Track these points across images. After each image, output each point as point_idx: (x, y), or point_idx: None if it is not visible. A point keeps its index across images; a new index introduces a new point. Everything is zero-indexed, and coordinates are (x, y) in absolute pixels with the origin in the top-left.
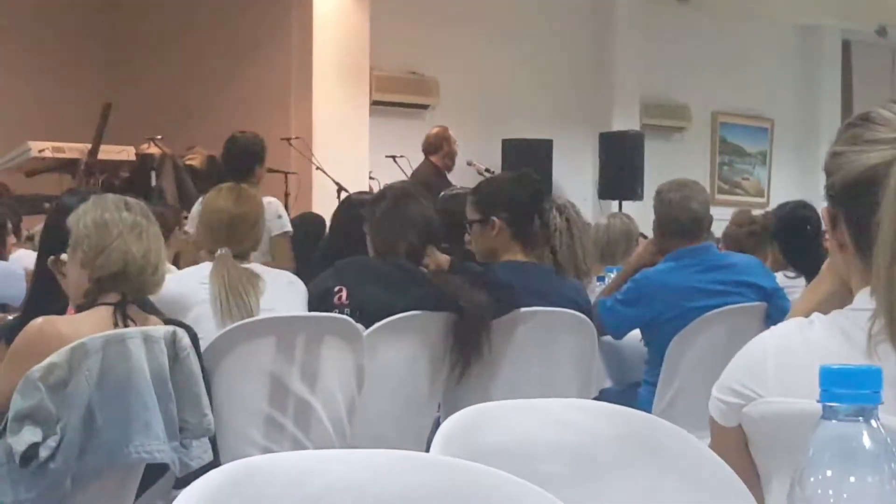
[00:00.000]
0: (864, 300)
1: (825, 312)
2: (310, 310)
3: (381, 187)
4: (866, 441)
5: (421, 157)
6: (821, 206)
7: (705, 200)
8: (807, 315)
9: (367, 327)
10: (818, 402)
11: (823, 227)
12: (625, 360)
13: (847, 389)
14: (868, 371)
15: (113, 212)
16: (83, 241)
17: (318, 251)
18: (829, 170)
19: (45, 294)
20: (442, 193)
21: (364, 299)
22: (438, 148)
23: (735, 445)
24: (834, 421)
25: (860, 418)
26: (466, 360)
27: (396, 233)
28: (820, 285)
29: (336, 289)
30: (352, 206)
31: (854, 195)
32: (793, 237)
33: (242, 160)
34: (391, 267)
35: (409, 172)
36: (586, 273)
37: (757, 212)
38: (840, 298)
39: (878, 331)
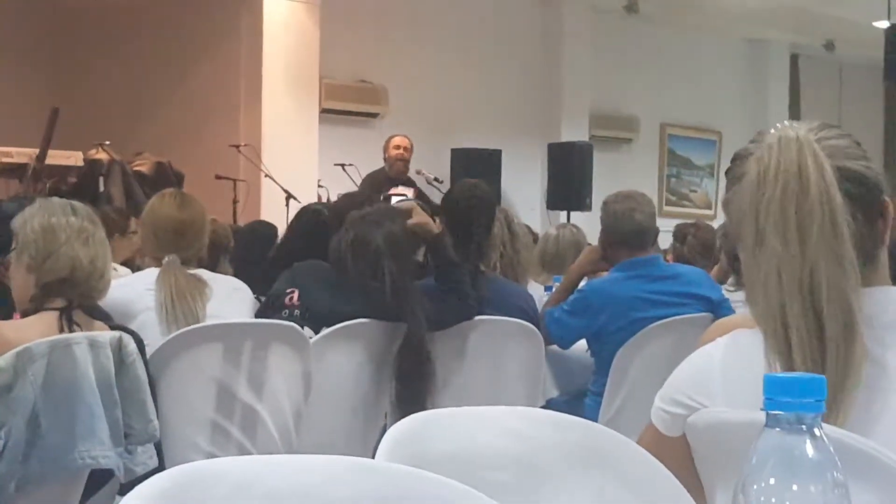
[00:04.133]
0: None
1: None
2: (260, 311)
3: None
4: (809, 449)
5: (370, 166)
6: None
7: (651, 212)
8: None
9: (314, 330)
10: (762, 409)
11: None
12: (571, 369)
13: (791, 398)
14: (812, 380)
15: (60, 216)
16: (30, 245)
17: (271, 258)
18: (726, 201)
19: None
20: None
21: (313, 302)
22: (383, 157)
23: (678, 454)
24: (777, 429)
25: (803, 426)
26: (408, 371)
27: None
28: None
29: (288, 290)
30: (313, 214)
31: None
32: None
33: None
34: (349, 273)
35: (359, 181)
36: (525, 282)
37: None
38: None
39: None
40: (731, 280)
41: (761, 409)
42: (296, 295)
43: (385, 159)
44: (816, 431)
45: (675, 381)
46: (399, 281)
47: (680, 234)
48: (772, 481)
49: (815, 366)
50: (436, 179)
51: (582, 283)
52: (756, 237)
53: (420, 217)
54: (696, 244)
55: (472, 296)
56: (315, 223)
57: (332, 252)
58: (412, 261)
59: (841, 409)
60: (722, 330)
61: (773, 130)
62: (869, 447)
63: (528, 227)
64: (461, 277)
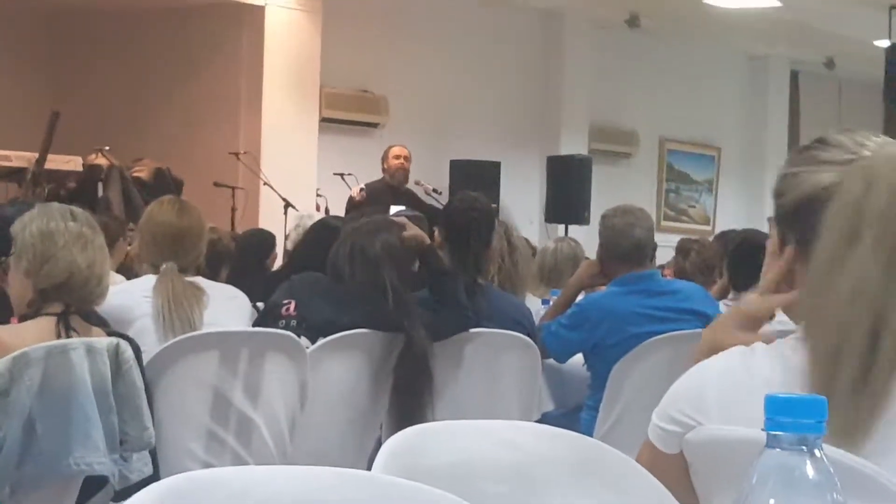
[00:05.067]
0: None
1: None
2: (257, 321)
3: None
4: (809, 470)
5: (369, 176)
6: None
7: (649, 227)
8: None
9: (311, 340)
10: (762, 430)
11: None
12: (567, 383)
13: (791, 418)
14: (812, 401)
15: (58, 221)
16: (28, 250)
17: (280, 269)
18: (781, 190)
19: None
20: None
21: (310, 312)
22: (382, 167)
23: (675, 471)
24: (777, 449)
25: (804, 447)
26: (406, 383)
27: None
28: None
29: (285, 301)
30: (325, 229)
31: (805, 215)
32: (745, 264)
33: None
34: (347, 285)
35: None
36: (522, 295)
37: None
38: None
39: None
40: (731, 295)
41: (760, 429)
42: (292, 305)
43: (385, 169)
44: (817, 452)
45: (671, 398)
46: (400, 290)
47: (683, 249)
48: (771, 502)
49: (858, 385)
50: (434, 191)
51: (580, 298)
52: (846, 242)
53: (411, 229)
54: (698, 261)
55: (468, 307)
56: (329, 238)
57: (330, 263)
58: (410, 271)
59: (869, 436)
60: (709, 346)
61: (867, 142)
62: (868, 469)
63: (527, 241)
64: (456, 288)
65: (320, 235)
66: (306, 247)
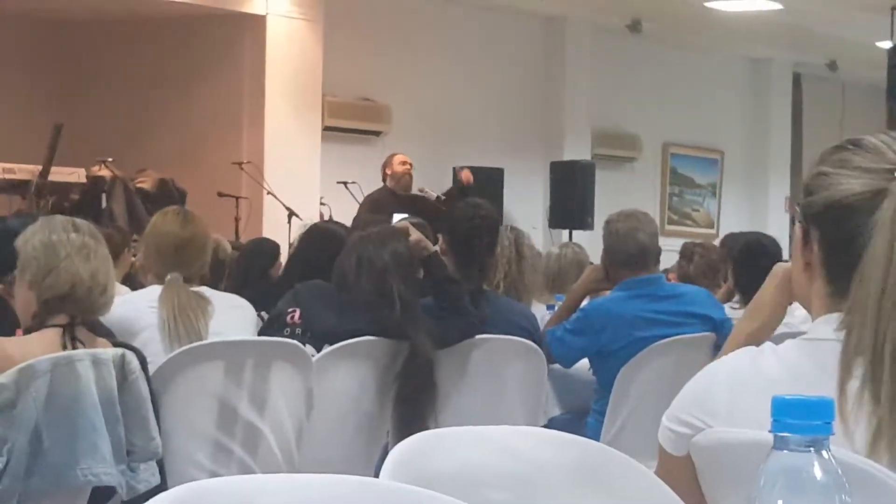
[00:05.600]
0: (821, 330)
1: (763, 339)
2: (262, 330)
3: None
4: (817, 472)
5: (372, 184)
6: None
7: (653, 231)
8: (748, 339)
9: (316, 348)
10: (770, 432)
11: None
12: (574, 387)
13: (799, 420)
14: (820, 402)
15: (60, 233)
16: (31, 262)
17: (280, 277)
18: (812, 188)
19: None
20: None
21: (315, 320)
22: (384, 174)
23: (684, 474)
24: (785, 451)
25: (811, 449)
26: (410, 390)
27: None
28: (761, 311)
29: (290, 309)
30: (318, 235)
31: (833, 218)
32: (750, 266)
33: None
34: (351, 293)
35: (360, 199)
36: (527, 303)
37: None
38: (772, 329)
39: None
40: (736, 298)
41: (768, 431)
42: (297, 314)
43: (389, 176)
44: (824, 454)
45: (681, 401)
46: (407, 299)
47: (687, 253)
48: (779, 503)
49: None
50: (438, 198)
51: (584, 303)
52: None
53: (415, 234)
54: (702, 264)
55: (472, 313)
56: (324, 242)
57: (336, 271)
58: (417, 280)
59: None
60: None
61: None
62: (876, 470)
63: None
64: (460, 294)
65: (315, 241)
66: (302, 253)
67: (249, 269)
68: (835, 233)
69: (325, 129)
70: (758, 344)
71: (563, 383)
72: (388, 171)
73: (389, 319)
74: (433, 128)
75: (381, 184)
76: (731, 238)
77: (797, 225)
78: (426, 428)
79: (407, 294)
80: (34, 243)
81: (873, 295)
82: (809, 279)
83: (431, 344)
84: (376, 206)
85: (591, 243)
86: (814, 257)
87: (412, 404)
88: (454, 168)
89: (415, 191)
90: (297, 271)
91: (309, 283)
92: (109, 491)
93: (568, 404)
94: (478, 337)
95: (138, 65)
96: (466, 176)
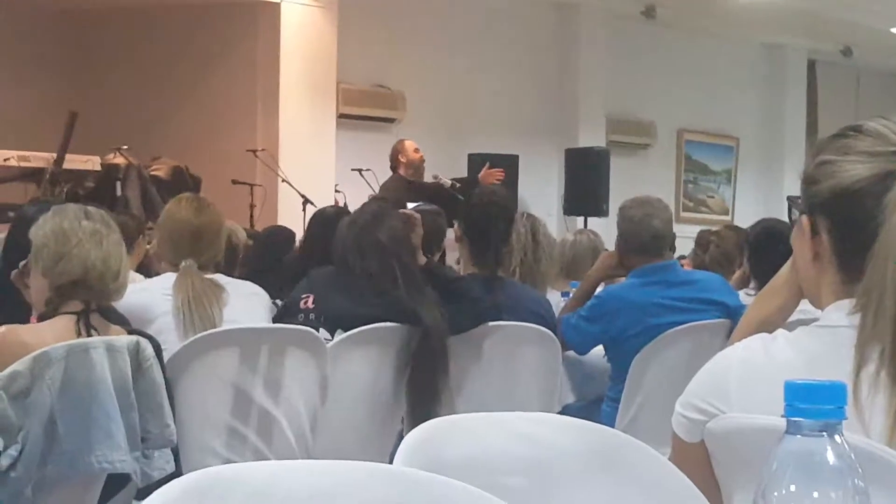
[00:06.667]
0: (834, 317)
1: (776, 326)
2: (277, 318)
3: (358, 207)
4: (830, 456)
5: (386, 171)
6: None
7: (668, 218)
8: (759, 325)
9: (330, 333)
10: (783, 416)
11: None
12: (588, 375)
13: (812, 405)
14: (833, 387)
15: (72, 220)
16: (43, 249)
17: (287, 263)
18: (815, 177)
19: (8, 303)
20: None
21: (327, 305)
22: (397, 162)
23: (697, 461)
24: (798, 436)
25: (824, 433)
26: (423, 374)
27: (366, 256)
28: (773, 296)
29: (304, 295)
30: (325, 220)
31: (842, 205)
32: (766, 252)
33: None
34: (358, 276)
35: (376, 186)
36: (543, 290)
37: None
38: (788, 312)
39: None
40: (751, 285)
41: (780, 416)
42: (311, 299)
43: (404, 164)
44: (837, 438)
45: (694, 387)
46: (410, 275)
47: (703, 241)
48: (792, 488)
49: None
50: (453, 185)
51: (599, 289)
52: None
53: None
54: (717, 254)
55: (483, 299)
56: (330, 227)
57: (338, 257)
58: (417, 255)
59: None
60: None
61: None
62: (889, 454)
63: None
64: (468, 286)
65: (321, 226)
66: (310, 239)
67: (264, 257)
68: (845, 219)
69: (340, 116)
70: (770, 330)
71: (578, 370)
72: (403, 159)
73: (398, 300)
74: (447, 115)
75: (392, 172)
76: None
77: (801, 217)
78: (440, 410)
79: (409, 269)
80: (46, 231)
81: (891, 274)
82: (819, 271)
83: (445, 326)
84: (393, 196)
85: (605, 230)
86: (822, 247)
87: (427, 386)
88: (469, 155)
89: (428, 178)
90: (306, 257)
91: (322, 269)
92: (124, 478)
93: (582, 391)
94: (492, 324)
95: (153, 52)
96: (490, 176)
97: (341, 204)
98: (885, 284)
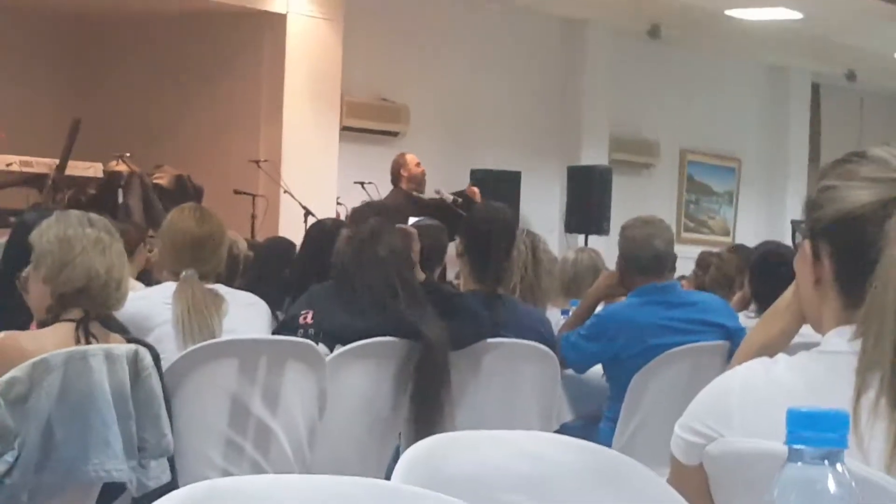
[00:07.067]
0: (835, 342)
1: (778, 350)
2: (276, 333)
3: (354, 216)
4: (831, 484)
5: (389, 184)
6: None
7: (669, 238)
8: (760, 349)
9: (329, 347)
10: (784, 444)
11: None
12: (587, 392)
13: (814, 432)
14: (835, 415)
15: (76, 227)
16: (46, 256)
17: (286, 275)
18: (818, 203)
19: (8, 309)
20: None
21: (326, 319)
22: (398, 176)
23: (695, 483)
24: (800, 463)
25: (826, 461)
26: (425, 388)
27: (366, 271)
28: (775, 321)
29: (303, 311)
30: (322, 232)
31: (844, 230)
32: (767, 275)
33: None
34: (358, 291)
35: (377, 199)
36: (543, 307)
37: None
38: (790, 337)
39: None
40: (752, 307)
41: (782, 440)
42: (310, 315)
43: (406, 178)
44: (839, 467)
45: (694, 410)
46: (410, 289)
47: (703, 263)
48: None
49: None
50: (454, 200)
51: (599, 308)
52: None
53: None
54: (717, 276)
55: (483, 315)
56: (326, 239)
57: (337, 272)
58: (416, 270)
59: None
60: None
61: None
62: (890, 483)
63: None
64: (468, 302)
65: (317, 238)
66: (307, 251)
67: (264, 268)
68: (846, 244)
69: (343, 128)
70: (771, 354)
71: (576, 389)
72: (405, 173)
73: (399, 314)
74: (451, 129)
75: (393, 186)
76: (743, 247)
77: (804, 242)
78: (441, 425)
79: (409, 284)
80: (49, 237)
81: (891, 301)
82: (820, 296)
83: (445, 340)
84: (396, 211)
85: (607, 249)
86: (825, 272)
87: (429, 400)
88: (471, 170)
89: (430, 192)
90: (303, 269)
91: (321, 285)
92: (120, 487)
93: (580, 410)
94: (491, 340)
95: (157, 61)
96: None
97: (343, 217)
98: (885, 311)
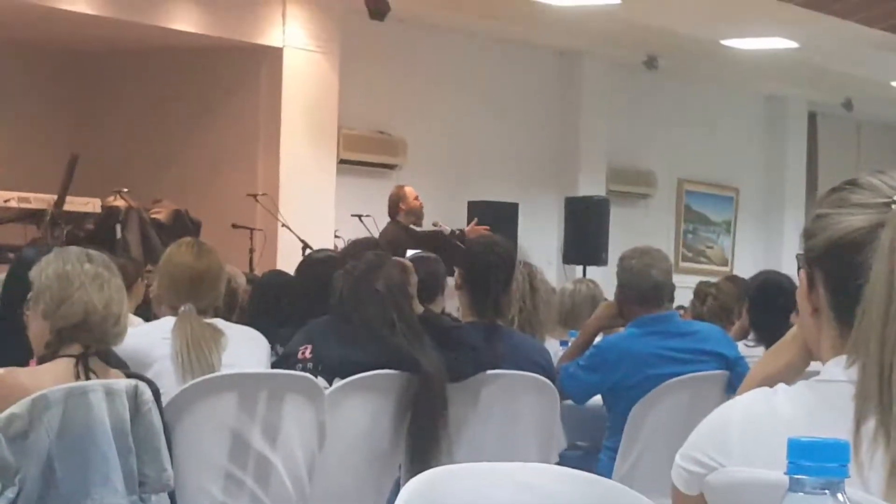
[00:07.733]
0: (832, 371)
1: (784, 381)
2: (275, 367)
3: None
4: None
5: (387, 217)
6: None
7: (667, 268)
8: (764, 381)
9: (328, 381)
10: (785, 474)
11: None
12: (585, 423)
13: (814, 462)
14: (835, 445)
15: (75, 263)
16: (45, 292)
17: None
18: (812, 231)
19: (7, 345)
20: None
21: (326, 354)
22: (396, 208)
23: None
24: (801, 493)
25: (826, 491)
26: (423, 421)
27: (364, 305)
28: (781, 353)
29: (301, 346)
30: (313, 265)
31: (837, 257)
32: (766, 304)
33: None
34: (356, 324)
35: (375, 232)
36: (541, 338)
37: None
38: (797, 370)
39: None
40: (751, 336)
41: (782, 471)
42: (308, 350)
43: (405, 211)
44: (840, 496)
45: (694, 439)
46: (409, 322)
47: (700, 294)
48: None
49: None
50: (452, 233)
51: (597, 339)
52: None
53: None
54: (715, 306)
55: (481, 348)
56: (320, 272)
57: (334, 305)
58: (413, 303)
59: None
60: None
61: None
62: None
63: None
64: (466, 335)
65: (310, 272)
66: (301, 284)
67: (263, 302)
68: (838, 271)
69: (341, 161)
70: (773, 385)
71: (575, 419)
72: (403, 206)
73: (397, 347)
74: (448, 161)
75: (390, 218)
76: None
77: (801, 272)
78: (440, 457)
79: (407, 317)
80: (48, 273)
81: (876, 324)
82: (818, 325)
83: (444, 372)
84: (394, 244)
85: (605, 279)
86: (820, 301)
87: (427, 433)
88: (469, 202)
89: (427, 225)
90: (298, 302)
91: (319, 320)
92: None
93: (580, 439)
94: (490, 372)
95: (154, 96)
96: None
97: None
98: (870, 335)
